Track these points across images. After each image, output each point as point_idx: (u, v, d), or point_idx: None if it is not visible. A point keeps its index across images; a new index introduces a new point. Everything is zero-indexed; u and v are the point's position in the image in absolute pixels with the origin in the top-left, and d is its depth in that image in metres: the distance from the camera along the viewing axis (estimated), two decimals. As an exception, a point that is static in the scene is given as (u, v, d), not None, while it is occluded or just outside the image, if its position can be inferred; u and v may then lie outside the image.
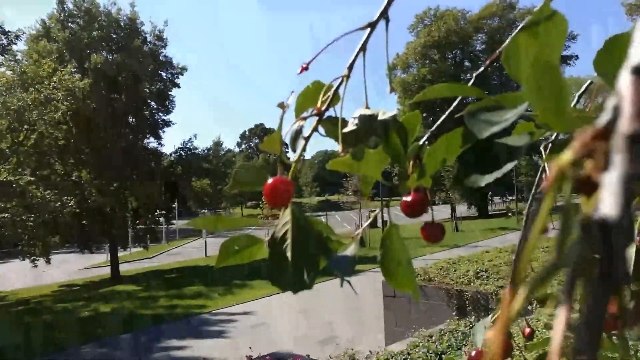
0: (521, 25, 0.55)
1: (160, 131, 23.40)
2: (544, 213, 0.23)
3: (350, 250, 0.53)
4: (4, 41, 17.77)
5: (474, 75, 0.58)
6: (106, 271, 21.38)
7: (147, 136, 23.15)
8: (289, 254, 0.49)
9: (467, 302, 8.12)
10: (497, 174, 0.43)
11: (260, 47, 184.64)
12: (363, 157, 0.50)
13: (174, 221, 29.10)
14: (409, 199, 0.54)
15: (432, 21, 36.85)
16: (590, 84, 0.65)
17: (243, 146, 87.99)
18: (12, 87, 17.21)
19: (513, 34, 0.54)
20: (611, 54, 0.46)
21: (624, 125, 0.20)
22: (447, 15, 36.30)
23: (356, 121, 0.48)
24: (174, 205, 25.57)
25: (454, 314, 8.09)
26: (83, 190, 19.51)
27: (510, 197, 40.88)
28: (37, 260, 16.96)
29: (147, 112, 22.79)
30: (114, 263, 20.75)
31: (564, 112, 0.31)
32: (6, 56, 18.08)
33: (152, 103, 23.02)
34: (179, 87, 23.77)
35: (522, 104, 0.43)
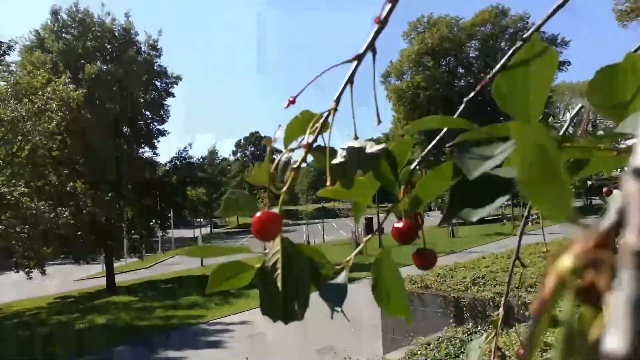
0: (511, 56, 0.55)
1: (155, 141, 23.37)
2: (540, 331, 0.21)
3: (341, 278, 0.53)
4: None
5: (464, 100, 0.58)
6: (102, 282, 21.24)
7: (142, 146, 23.11)
8: (279, 285, 0.49)
9: (464, 309, 8.11)
10: (489, 208, 0.43)
11: (256, 55, 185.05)
12: (352, 186, 0.49)
13: (170, 230, 28.99)
14: (400, 225, 0.53)
15: (426, 28, 37.09)
16: (580, 107, 0.66)
17: (238, 154, 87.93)
18: (5, 98, 17.17)
19: (505, 64, 0.54)
20: (602, 85, 0.47)
21: (632, 239, 0.18)
22: (440, 22, 36.55)
23: (344, 153, 0.47)
24: (169, 215, 25.47)
25: (451, 321, 8.08)
26: (78, 200, 19.41)
27: (505, 202, 40.97)
28: (32, 271, 16.83)
29: (141, 122, 22.77)
30: (110, 274, 20.62)
31: (564, 206, 0.29)
32: (-1, 67, 18.05)
33: (147, 113, 22.99)
34: (173, 96, 23.79)
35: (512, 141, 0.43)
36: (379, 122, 0.51)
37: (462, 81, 37.53)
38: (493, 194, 0.44)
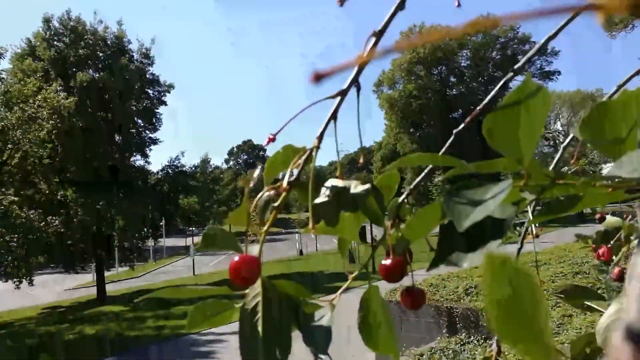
0: (502, 86, 0.53)
1: (147, 149, 23.25)
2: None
3: (325, 320, 0.50)
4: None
5: (454, 132, 0.56)
6: (92, 291, 21.02)
7: (134, 154, 22.97)
8: (259, 330, 0.46)
9: (457, 319, 8.09)
10: (480, 253, 0.41)
11: (248, 63, 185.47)
12: (337, 224, 0.47)
13: (162, 239, 28.80)
14: (387, 262, 0.51)
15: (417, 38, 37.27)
16: (572, 138, 0.64)
17: (231, 163, 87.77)
18: (-4, 107, 17.04)
19: (496, 95, 0.52)
20: (596, 121, 0.45)
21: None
22: (431, 31, 36.79)
23: (327, 192, 0.45)
24: (161, 224, 25.30)
25: (444, 331, 8.05)
26: (68, 209, 19.25)
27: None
28: (21, 282, 16.62)
29: (133, 130, 22.65)
30: (100, 283, 20.42)
31: (541, 344, 0.27)
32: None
33: (139, 121, 22.90)
34: (165, 104, 23.72)
35: (506, 181, 0.41)
36: (365, 161, 0.48)
37: (454, 90, 37.78)
38: (485, 237, 0.42)
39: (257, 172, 0.46)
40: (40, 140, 17.90)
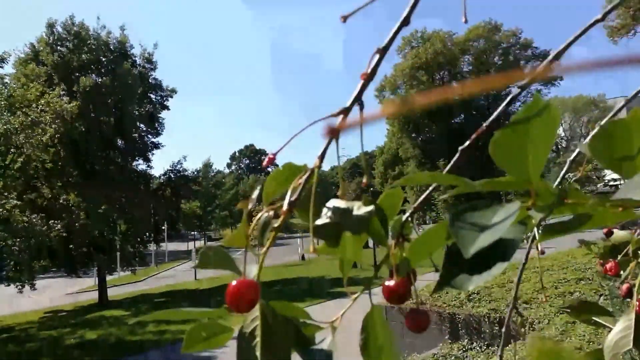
0: (509, 103, 0.52)
1: (149, 153, 23.27)
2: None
3: (326, 343, 0.49)
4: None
5: (459, 149, 0.54)
6: (94, 296, 21.01)
7: (136, 158, 23.01)
8: (257, 354, 0.45)
9: (459, 325, 8.05)
10: (487, 275, 0.39)
11: (251, 68, 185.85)
12: (338, 245, 0.46)
13: (163, 244, 28.78)
14: (391, 284, 0.50)
15: (420, 43, 37.34)
16: (578, 153, 0.63)
17: (233, 167, 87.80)
18: (-1, 111, 17.08)
19: (503, 111, 0.51)
20: (605, 138, 0.44)
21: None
22: (434, 37, 36.82)
23: (329, 213, 0.44)
24: (163, 228, 25.29)
25: (446, 337, 8.01)
26: (70, 213, 19.25)
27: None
28: (23, 286, 16.61)
29: (136, 135, 22.69)
30: (102, 287, 20.41)
31: None
32: (-7, 79, 18.00)
33: (142, 125, 22.94)
34: (168, 109, 23.78)
35: (514, 204, 0.39)
36: (367, 182, 0.47)
37: (456, 96, 37.72)
38: (493, 259, 0.40)
39: (256, 192, 0.45)
40: (43, 145, 17.93)
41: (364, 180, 0.50)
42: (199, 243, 50.96)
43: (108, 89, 20.67)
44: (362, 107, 0.44)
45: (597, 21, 0.60)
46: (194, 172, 24.86)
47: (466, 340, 7.58)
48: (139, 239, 21.98)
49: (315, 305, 14.14)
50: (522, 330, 6.22)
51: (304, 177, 0.44)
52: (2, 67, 17.36)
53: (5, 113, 16.87)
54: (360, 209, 0.44)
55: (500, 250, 0.41)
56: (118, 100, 21.09)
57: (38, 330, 15.81)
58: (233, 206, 63.72)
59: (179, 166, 23.66)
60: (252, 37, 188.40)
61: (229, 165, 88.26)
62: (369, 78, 0.43)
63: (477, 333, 7.81)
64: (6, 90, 17.52)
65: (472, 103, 35.74)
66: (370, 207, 0.44)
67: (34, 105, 17.37)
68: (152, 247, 25.54)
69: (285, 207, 0.43)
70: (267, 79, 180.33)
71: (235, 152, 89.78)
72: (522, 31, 36.52)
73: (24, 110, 17.16)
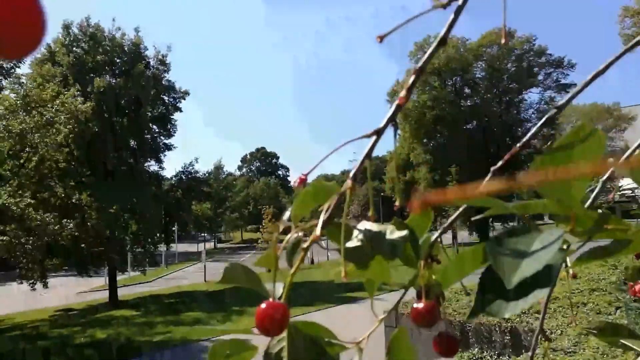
0: (543, 124, 0.51)
1: (161, 155, 23.44)
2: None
3: (354, 365, 0.48)
4: (8, 64, 17.92)
5: (492, 169, 0.53)
6: (104, 295, 21.16)
7: (149, 159, 23.18)
8: (285, 376, 0.44)
9: (469, 334, 7.97)
10: (524, 303, 0.38)
11: (263, 70, 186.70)
12: (368, 268, 0.45)
13: (174, 245, 28.93)
14: (420, 306, 0.48)
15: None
16: (612, 172, 0.61)
17: (244, 169, 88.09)
18: (15, 110, 17.31)
19: (536, 133, 0.49)
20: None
21: None
22: (447, 43, 36.71)
23: (361, 236, 0.43)
24: (173, 229, 25.42)
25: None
26: (83, 213, 19.42)
27: (511, 223, 40.68)
28: (35, 283, 16.79)
29: (148, 136, 22.86)
30: (112, 287, 20.55)
31: None
32: (10, 79, 18.23)
33: (154, 127, 23.12)
34: (180, 111, 23.92)
35: (556, 231, 0.38)
36: (399, 203, 0.46)
37: (469, 101, 37.60)
38: (531, 286, 0.39)
39: (286, 215, 0.44)
40: (57, 144, 18.13)
41: (397, 203, 0.49)
42: (209, 245, 51.18)
43: (122, 90, 20.87)
44: (396, 128, 0.43)
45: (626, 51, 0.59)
46: (205, 174, 24.99)
47: (477, 349, 7.51)
48: (149, 240, 22.10)
49: (327, 310, 14.12)
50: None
51: (335, 198, 0.43)
52: (18, 67, 17.61)
53: (21, 112, 17.08)
54: (393, 233, 0.42)
55: (539, 277, 0.39)
56: (131, 102, 21.29)
57: (49, 329, 15.95)
58: (243, 208, 63.94)
59: (190, 168, 23.79)
60: (265, 39, 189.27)
61: (239, 168, 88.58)
62: (405, 99, 0.42)
63: (488, 342, 7.73)
64: (22, 90, 17.75)
65: (484, 109, 35.56)
66: (404, 232, 0.42)
67: (49, 105, 17.57)
68: (162, 247, 25.66)
69: (318, 229, 0.42)
70: (279, 82, 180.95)
71: (246, 155, 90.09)
72: (537, 37, 36.28)
73: (39, 110, 17.37)
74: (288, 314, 0.41)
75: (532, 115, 37.12)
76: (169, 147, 23.69)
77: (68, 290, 23.60)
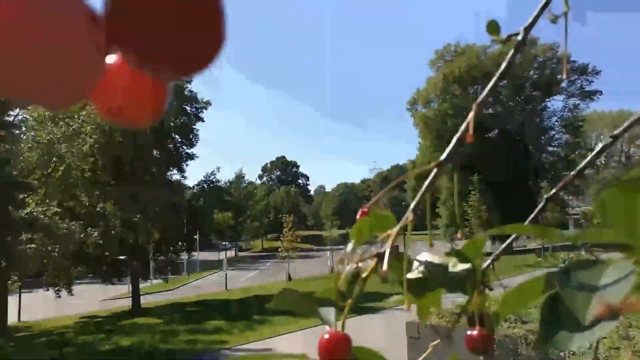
0: (599, 152, 0.50)
1: (183, 164, 23.75)
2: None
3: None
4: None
5: (545, 197, 0.53)
6: (127, 302, 21.42)
7: (171, 169, 23.51)
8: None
9: (494, 346, 7.83)
10: (590, 336, 0.37)
11: (283, 80, 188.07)
12: (424, 295, 0.45)
13: (195, 253, 29.20)
14: (474, 333, 0.48)
15: (453, 57, 37.09)
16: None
17: (264, 178, 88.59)
18: (43, 121, 17.79)
19: (588, 163, 0.49)
20: None
21: None
22: (468, 50, 36.52)
23: (422, 268, 0.43)
24: (195, 237, 25.67)
25: (481, 358, 7.79)
26: (107, 221, 19.77)
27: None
28: (61, 290, 17.14)
29: (171, 146, 23.20)
30: (135, 295, 20.80)
31: None
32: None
33: (177, 137, 23.45)
34: (203, 121, 24.23)
35: (624, 263, 0.38)
36: (431, 244, 0.46)
37: (490, 109, 37.26)
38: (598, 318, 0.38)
39: (349, 247, 0.44)
40: (82, 154, 18.55)
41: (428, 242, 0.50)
42: (230, 253, 51.51)
43: (146, 101, 21.23)
44: (455, 170, 0.43)
45: None
46: (226, 183, 25.23)
47: (501, 362, 7.37)
48: (171, 248, 22.37)
49: (348, 320, 13.96)
50: None
51: (395, 230, 0.44)
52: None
53: (49, 123, 17.54)
54: (456, 266, 0.43)
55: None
56: (155, 112, 21.64)
57: (75, 335, 16.19)
58: (264, 217, 64.26)
59: (212, 177, 24.04)
60: (283, 48, 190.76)
61: (260, 177, 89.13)
62: (471, 138, 0.43)
63: (514, 355, 7.58)
64: (50, 101, 18.23)
65: (506, 118, 35.17)
66: (467, 265, 0.43)
67: (75, 116, 18.01)
68: (184, 256, 25.94)
69: (385, 264, 0.42)
70: (300, 91, 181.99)
71: (266, 164, 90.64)
72: (560, 45, 35.84)
73: (66, 120, 17.81)
74: (351, 345, 0.42)
75: (556, 122, 36.59)
76: (191, 157, 24.00)
77: (92, 298, 23.97)
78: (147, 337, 15.06)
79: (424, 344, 8.56)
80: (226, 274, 25.81)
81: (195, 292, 25.42)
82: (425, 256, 0.45)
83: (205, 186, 23.90)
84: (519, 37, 0.48)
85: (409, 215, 0.44)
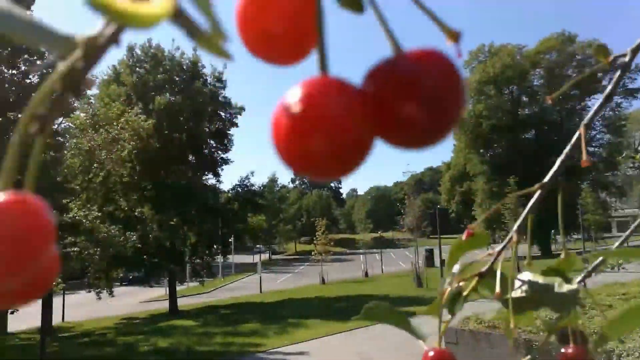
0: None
1: (218, 169, 24.14)
2: None
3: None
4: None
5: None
6: (164, 305, 21.87)
7: (206, 173, 23.92)
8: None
9: (536, 353, 7.64)
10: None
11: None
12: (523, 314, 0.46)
13: (230, 256, 29.58)
14: (569, 351, 0.49)
15: (487, 57, 36.45)
16: None
17: (297, 182, 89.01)
18: (85, 129, 18.38)
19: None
20: None
21: None
22: (502, 51, 35.83)
23: (525, 288, 0.44)
24: (230, 240, 26.02)
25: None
26: (145, 225, 20.25)
27: (575, 236, 38.78)
28: (102, 292, 17.66)
29: (206, 151, 23.63)
30: (172, 297, 21.22)
31: None
32: (81, 100, 19.37)
33: (212, 142, 23.86)
34: (237, 126, 24.57)
35: None
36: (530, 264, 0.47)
37: (527, 110, 36.43)
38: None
39: (456, 267, 0.46)
40: (121, 160, 19.06)
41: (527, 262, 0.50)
42: (264, 256, 51.97)
43: (181, 107, 21.71)
44: (564, 181, 0.44)
45: None
46: (260, 187, 25.47)
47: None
48: (207, 251, 22.74)
49: (385, 325, 13.87)
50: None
51: (498, 250, 0.45)
52: (89, 89, 18.66)
53: (90, 131, 18.11)
54: (562, 286, 0.43)
55: None
56: (190, 118, 22.09)
57: (115, 336, 16.64)
58: (297, 220, 64.56)
59: (246, 181, 24.32)
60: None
61: (292, 181, 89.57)
62: (588, 162, 0.43)
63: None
64: (91, 109, 18.83)
65: (544, 118, 34.31)
66: (574, 286, 0.43)
67: (114, 123, 18.53)
68: (219, 259, 26.31)
69: (497, 286, 0.43)
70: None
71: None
72: (599, 41, 34.73)
73: (105, 127, 18.35)
74: (456, 361, 0.43)
75: (597, 122, 35.48)
76: (225, 162, 24.37)
77: (131, 300, 24.59)
78: (184, 339, 15.33)
79: (462, 350, 8.43)
80: (260, 277, 26.04)
81: (230, 294, 25.75)
82: (527, 276, 0.45)
83: (240, 190, 24.20)
84: (626, 59, 0.48)
85: (512, 236, 0.44)
